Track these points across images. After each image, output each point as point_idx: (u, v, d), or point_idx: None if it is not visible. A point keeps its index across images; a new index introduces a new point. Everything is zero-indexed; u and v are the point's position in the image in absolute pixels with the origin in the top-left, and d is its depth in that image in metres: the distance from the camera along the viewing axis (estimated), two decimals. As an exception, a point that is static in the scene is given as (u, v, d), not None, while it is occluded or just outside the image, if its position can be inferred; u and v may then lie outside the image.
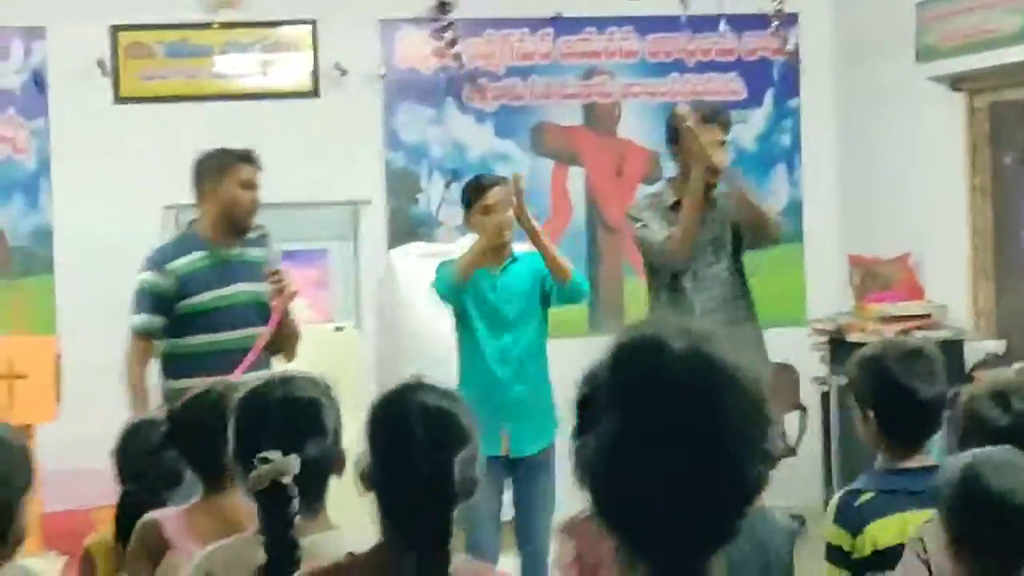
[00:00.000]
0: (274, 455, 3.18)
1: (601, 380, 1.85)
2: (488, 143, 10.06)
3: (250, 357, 6.24)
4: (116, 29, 9.63)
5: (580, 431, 1.87)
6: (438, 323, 7.13)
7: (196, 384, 5.39)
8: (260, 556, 3.20)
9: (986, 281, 9.19)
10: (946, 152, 9.31)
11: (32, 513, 3.00)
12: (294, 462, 3.18)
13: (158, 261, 6.59)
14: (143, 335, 6.52)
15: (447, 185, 9.84)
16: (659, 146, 9.74)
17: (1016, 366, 7.98)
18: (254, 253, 6.61)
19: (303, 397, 3.40)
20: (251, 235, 6.66)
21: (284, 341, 6.63)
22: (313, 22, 9.82)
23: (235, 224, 6.58)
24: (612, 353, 1.86)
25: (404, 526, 2.92)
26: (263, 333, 6.42)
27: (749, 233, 7.14)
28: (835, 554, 4.06)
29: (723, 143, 7.13)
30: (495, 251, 6.96)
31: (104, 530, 4.68)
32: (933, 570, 3.57)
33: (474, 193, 7.07)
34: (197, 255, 6.55)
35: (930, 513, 3.91)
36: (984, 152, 9.18)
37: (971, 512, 3.21)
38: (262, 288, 6.49)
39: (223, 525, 3.91)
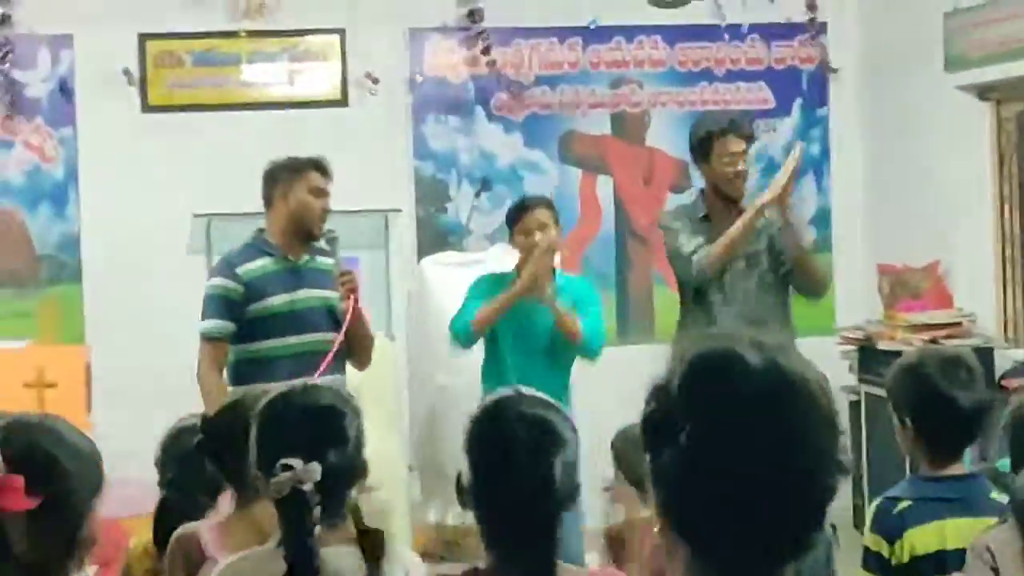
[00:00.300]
0: (295, 462, 3.18)
1: (674, 395, 1.85)
2: (517, 152, 10.07)
3: (326, 361, 6.25)
4: (144, 38, 9.67)
5: (653, 445, 1.88)
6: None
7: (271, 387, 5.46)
8: (281, 567, 3.20)
9: (1014, 290, 9.18)
10: (974, 161, 9.29)
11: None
12: (315, 470, 3.19)
13: (227, 266, 6.59)
14: (213, 340, 6.50)
15: (477, 194, 9.88)
16: (688, 155, 9.83)
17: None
18: (324, 261, 6.62)
19: (325, 405, 3.43)
20: (320, 242, 6.66)
21: (358, 346, 6.67)
22: (342, 31, 9.85)
23: (304, 230, 6.58)
24: (687, 368, 1.86)
25: (509, 537, 2.98)
26: (336, 338, 6.43)
27: (795, 280, 7.14)
28: (873, 561, 4.06)
29: (743, 153, 7.14)
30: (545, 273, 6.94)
31: (138, 538, 4.72)
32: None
33: (515, 214, 7.06)
34: (266, 260, 6.55)
35: (971, 520, 3.94)
36: (1012, 161, 9.17)
37: None
38: (332, 294, 6.49)
39: (257, 536, 3.90)
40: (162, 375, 6.95)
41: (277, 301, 6.48)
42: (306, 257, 6.61)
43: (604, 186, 10.20)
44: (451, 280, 8.28)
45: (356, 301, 6.47)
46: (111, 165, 9.55)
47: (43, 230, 9.63)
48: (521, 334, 6.93)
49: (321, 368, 6.11)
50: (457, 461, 3.12)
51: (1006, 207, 9.22)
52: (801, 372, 1.84)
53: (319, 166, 6.66)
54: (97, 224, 9.56)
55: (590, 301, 7.16)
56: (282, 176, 6.63)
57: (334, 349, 6.37)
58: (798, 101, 10.35)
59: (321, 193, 6.61)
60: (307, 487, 3.17)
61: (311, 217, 6.56)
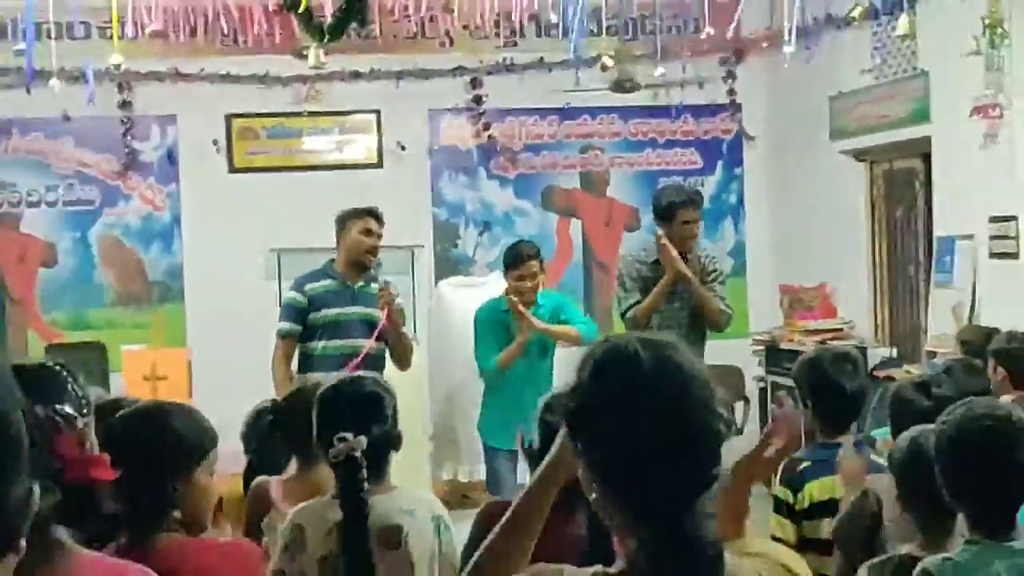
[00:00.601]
0: (348, 436, 3.21)
1: (587, 390, 1.86)
2: (510, 202, 10.07)
3: (355, 361, 6.20)
4: (229, 117, 9.68)
5: (576, 433, 1.88)
6: (470, 331, 7.07)
7: (320, 378, 5.45)
8: (337, 514, 3.25)
9: (882, 304, 9.19)
10: (852, 207, 9.29)
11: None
12: (363, 441, 3.22)
13: (298, 284, 6.65)
14: (285, 338, 6.54)
15: (480, 234, 9.88)
16: (638, 203, 9.87)
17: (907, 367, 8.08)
18: (373, 287, 6.57)
19: (369, 392, 3.44)
20: (372, 271, 6.64)
21: (397, 350, 6.63)
22: (378, 111, 9.85)
23: (356, 261, 6.58)
24: (593, 367, 1.86)
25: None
26: (368, 343, 6.40)
27: (705, 320, 7.09)
28: (781, 507, 4.06)
29: (697, 221, 7.07)
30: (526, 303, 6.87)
31: (231, 488, 4.71)
32: (884, 516, 3.58)
33: (512, 261, 6.91)
34: (328, 282, 6.57)
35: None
36: (880, 207, 9.17)
37: (918, 472, 3.21)
38: (374, 311, 6.45)
39: (312, 493, 3.95)
40: (244, 370, 6.90)
41: (330, 313, 6.48)
42: (360, 283, 6.59)
43: (575, 227, 10.18)
44: (461, 298, 8.31)
45: (390, 311, 6.43)
46: (205, 213, 9.55)
47: (154, 262, 9.64)
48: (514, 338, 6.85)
49: (350, 366, 6.01)
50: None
51: (876, 241, 9.22)
52: (679, 358, 1.84)
53: (372, 213, 6.68)
54: (195, 257, 9.58)
55: (568, 307, 7.13)
56: (344, 220, 6.67)
57: (363, 352, 6.33)
58: (720, 162, 10.34)
59: (370, 233, 6.60)
60: (357, 454, 3.20)
61: (360, 250, 6.56)
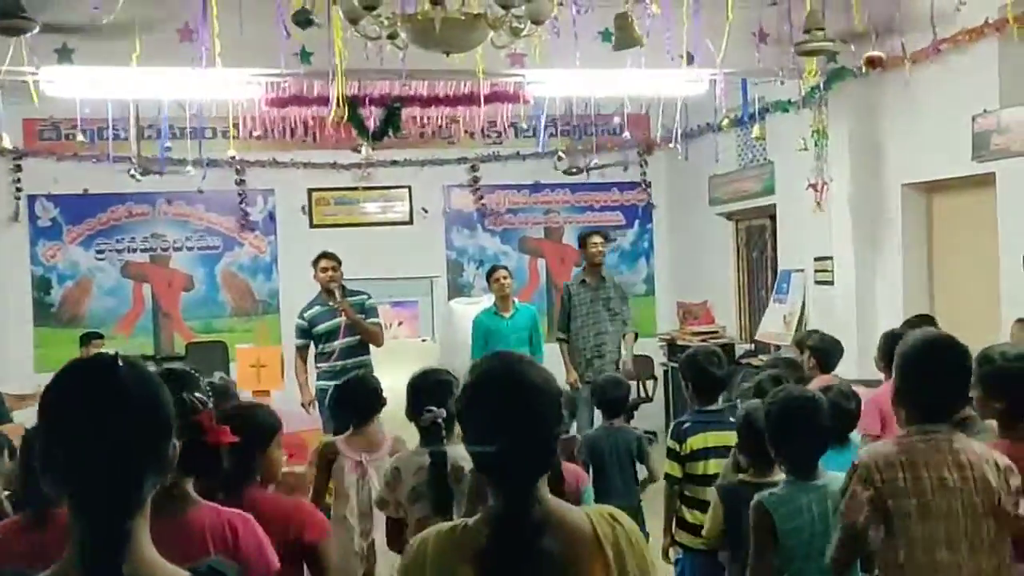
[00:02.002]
0: (433, 408, 3.20)
1: (463, 394, 1.72)
2: (497, 247, 10.04)
3: (340, 340, 6.45)
4: (310, 191, 9.67)
5: (465, 427, 1.73)
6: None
7: (328, 367, 5.88)
8: (424, 459, 3.20)
9: (744, 314, 9.26)
10: (724, 250, 9.37)
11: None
12: (443, 412, 3.19)
13: (302, 311, 6.73)
14: (299, 350, 6.65)
15: (477, 268, 9.88)
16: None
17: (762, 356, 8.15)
18: (351, 302, 6.60)
19: (443, 379, 3.37)
20: (353, 297, 6.62)
21: (366, 337, 6.60)
22: (409, 186, 9.86)
23: (325, 289, 6.63)
24: (472, 381, 1.72)
25: None
26: (347, 339, 6.50)
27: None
28: (671, 454, 4.04)
29: (602, 244, 7.17)
30: (503, 303, 6.92)
31: (320, 439, 4.70)
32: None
33: (489, 273, 7.12)
34: (317, 307, 6.64)
35: (721, 433, 3.96)
36: (743, 251, 9.25)
37: (750, 433, 3.25)
38: (343, 318, 6.51)
39: (367, 445, 3.97)
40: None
41: (323, 327, 6.57)
42: (331, 303, 6.60)
43: (540, 264, 10.18)
44: (464, 311, 8.32)
45: (345, 311, 6.49)
46: (293, 254, 9.42)
47: (259, 287, 9.63)
48: (499, 339, 6.92)
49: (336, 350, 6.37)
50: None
51: (739, 273, 9.29)
52: (526, 369, 1.68)
53: (325, 255, 6.74)
54: (286, 284, 9.50)
55: (537, 327, 7.15)
56: (314, 263, 6.77)
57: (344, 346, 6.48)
58: (636, 220, 10.35)
59: (326, 270, 6.63)
60: (439, 420, 3.18)
61: (325, 281, 6.61)
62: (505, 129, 9.15)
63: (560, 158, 9.24)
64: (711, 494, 3.53)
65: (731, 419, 3.82)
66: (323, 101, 6.36)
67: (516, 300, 7.27)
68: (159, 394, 1.35)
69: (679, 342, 9.00)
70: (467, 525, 1.67)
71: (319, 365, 6.69)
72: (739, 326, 9.23)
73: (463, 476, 3.14)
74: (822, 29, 4.85)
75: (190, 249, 9.52)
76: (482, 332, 6.88)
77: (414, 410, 3.30)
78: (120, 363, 1.31)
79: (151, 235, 9.40)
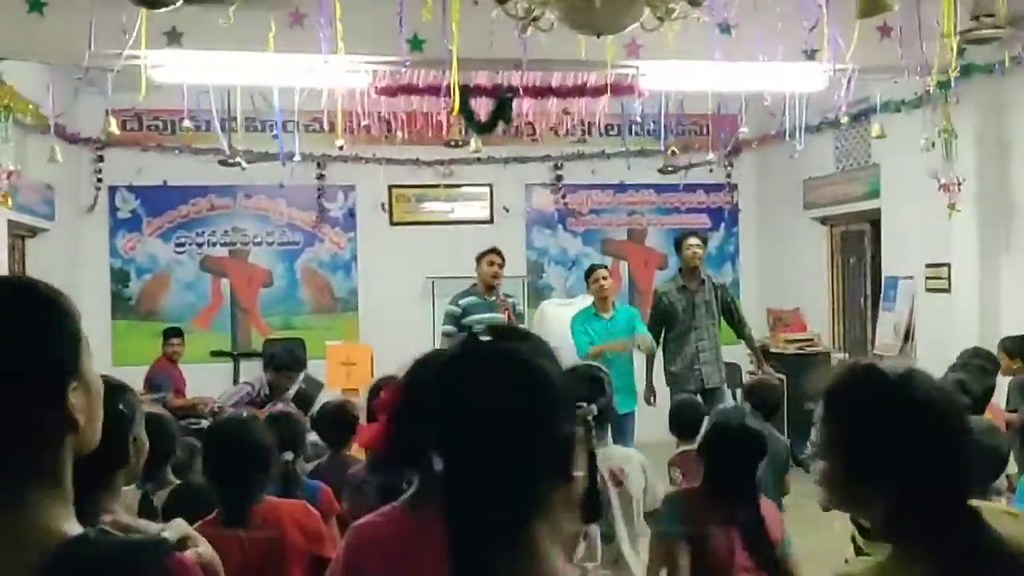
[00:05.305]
0: (583, 404, 3.01)
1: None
2: (579, 249, 9.85)
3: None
4: (391, 187, 9.51)
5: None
6: (567, 336, 6.83)
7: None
8: None
9: (839, 322, 8.98)
10: (818, 255, 9.12)
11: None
12: (594, 408, 2.98)
13: (455, 299, 6.63)
14: (447, 338, 6.43)
15: (569, 269, 9.66)
16: (667, 251, 9.64)
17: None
18: (498, 298, 6.58)
19: (594, 375, 3.14)
20: (500, 292, 6.62)
21: None
22: (490, 185, 9.70)
23: (487, 284, 6.58)
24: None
25: None
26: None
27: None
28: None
29: (699, 246, 6.88)
30: (603, 304, 6.68)
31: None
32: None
33: (588, 272, 6.89)
34: (473, 297, 6.55)
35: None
36: (838, 256, 8.99)
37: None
38: (500, 315, 6.40)
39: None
40: (405, 360, 6.74)
41: (475, 317, 6.40)
42: (493, 298, 6.55)
43: (623, 267, 9.97)
44: (556, 312, 8.08)
45: (509, 314, 6.46)
46: (373, 251, 9.42)
47: (339, 285, 9.49)
48: (602, 342, 6.60)
49: None
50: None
51: (835, 280, 9.03)
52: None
53: (495, 251, 6.66)
54: (365, 282, 9.42)
55: (638, 318, 6.86)
56: (479, 257, 6.67)
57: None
58: (722, 224, 10.13)
59: (492, 264, 6.58)
60: (590, 418, 2.98)
61: (488, 276, 6.56)
62: (590, 127, 8.91)
63: (673, 153, 8.62)
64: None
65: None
66: (433, 91, 6.15)
67: (615, 301, 7.01)
68: None
69: (772, 349, 8.72)
70: None
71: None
72: (832, 334, 8.91)
73: (622, 479, 3.00)
74: (992, 15, 4.54)
75: (270, 244, 9.39)
76: (584, 332, 6.66)
77: None
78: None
79: (231, 229, 9.29)
